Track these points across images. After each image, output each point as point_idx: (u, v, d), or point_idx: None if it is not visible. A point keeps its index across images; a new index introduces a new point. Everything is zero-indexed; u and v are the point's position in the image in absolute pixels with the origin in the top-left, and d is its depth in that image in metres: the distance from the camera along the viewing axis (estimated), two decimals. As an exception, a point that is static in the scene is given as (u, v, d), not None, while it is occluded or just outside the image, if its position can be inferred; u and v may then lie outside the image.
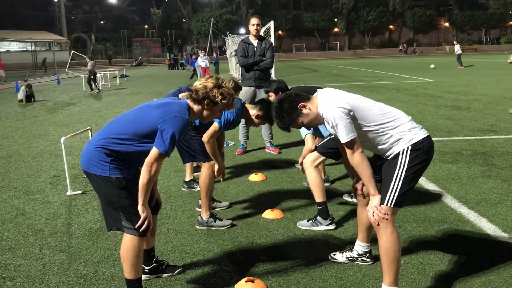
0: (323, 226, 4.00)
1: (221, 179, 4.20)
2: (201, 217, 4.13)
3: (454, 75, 20.98)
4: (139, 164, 2.72)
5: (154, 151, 2.60)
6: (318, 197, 4.00)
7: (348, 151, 2.69)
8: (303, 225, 4.08)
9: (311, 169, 4.02)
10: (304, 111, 2.76)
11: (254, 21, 6.75)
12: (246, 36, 6.95)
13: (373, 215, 2.73)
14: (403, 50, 60.47)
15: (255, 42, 6.83)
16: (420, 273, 3.19)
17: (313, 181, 4.00)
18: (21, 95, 15.79)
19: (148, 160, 2.60)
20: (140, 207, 2.67)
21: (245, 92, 6.74)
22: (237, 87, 5.31)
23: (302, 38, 71.96)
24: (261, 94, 6.76)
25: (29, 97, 15.76)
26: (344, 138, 2.63)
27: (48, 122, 10.98)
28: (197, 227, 4.13)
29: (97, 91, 18.88)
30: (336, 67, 32.81)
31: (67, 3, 67.52)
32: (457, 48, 26.77)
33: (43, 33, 50.79)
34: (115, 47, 69.06)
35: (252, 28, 6.79)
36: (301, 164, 4.24)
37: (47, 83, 25.06)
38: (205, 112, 2.82)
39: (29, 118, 11.78)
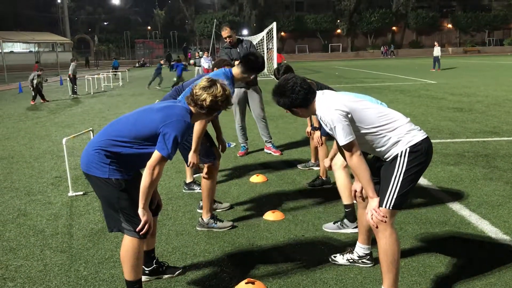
0: (350, 229, 3.92)
1: (193, 167, 3.88)
2: (202, 218, 4.13)
3: (457, 77, 20.93)
4: (140, 167, 2.71)
5: (156, 155, 2.59)
6: (346, 199, 3.93)
7: (346, 154, 2.69)
8: (329, 227, 4.01)
9: (340, 171, 3.93)
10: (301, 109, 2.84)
11: (224, 34, 6.73)
12: (227, 42, 6.94)
13: (372, 218, 2.73)
14: (384, 52, 60.80)
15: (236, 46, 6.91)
16: (420, 275, 3.18)
17: (342, 183, 3.92)
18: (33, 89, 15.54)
19: (150, 163, 2.60)
20: (140, 211, 2.67)
21: (236, 94, 6.81)
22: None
23: (304, 39, 71.85)
24: (252, 94, 6.88)
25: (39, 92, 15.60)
26: (342, 140, 2.63)
27: (51, 123, 11.00)
28: (197, 228, 4.13)
29: (74, 94, 17.94)
30: (339, 68, 32.78)
31: (70, 4, 67.70)
32: (437, 50, 26.36)
33: (46, 34, 50.79)
34: (118, 48, 69.16)
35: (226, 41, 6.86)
36: (330, 162, 4.00)
37: (50, 84, 25.08)
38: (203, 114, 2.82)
39: (31, 119, 11.81)
